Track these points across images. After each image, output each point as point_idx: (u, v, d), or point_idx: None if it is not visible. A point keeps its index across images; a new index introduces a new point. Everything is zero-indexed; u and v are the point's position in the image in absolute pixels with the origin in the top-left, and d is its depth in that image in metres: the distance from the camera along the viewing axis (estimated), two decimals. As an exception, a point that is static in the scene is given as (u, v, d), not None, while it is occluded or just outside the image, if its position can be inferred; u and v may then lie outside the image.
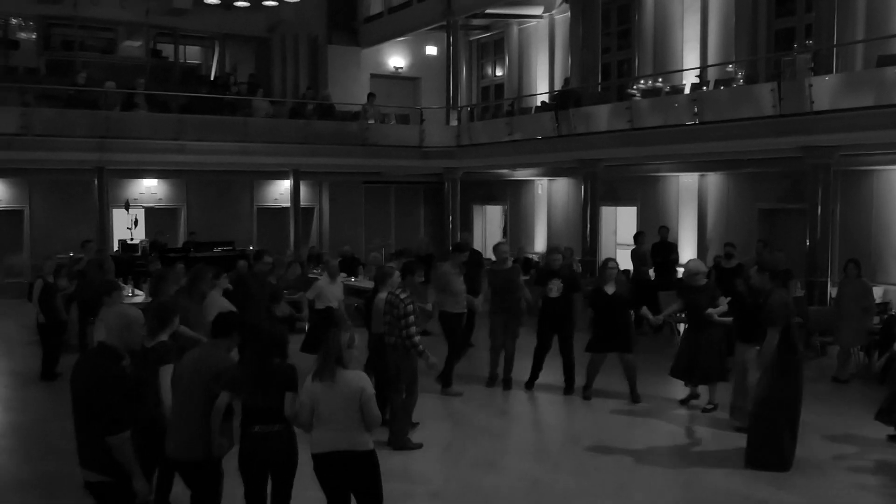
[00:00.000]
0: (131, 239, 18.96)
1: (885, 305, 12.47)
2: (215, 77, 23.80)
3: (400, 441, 8.13)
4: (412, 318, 7.99)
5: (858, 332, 11.11)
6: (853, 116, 12.24)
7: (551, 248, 10.76)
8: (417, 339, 8.00)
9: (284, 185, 21.93)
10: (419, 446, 8.22)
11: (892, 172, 14.72)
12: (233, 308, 8.21)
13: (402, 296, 8.10)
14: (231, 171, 20.78)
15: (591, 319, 10.16)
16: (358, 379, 5.13)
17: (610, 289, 9.84)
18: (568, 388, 10.34)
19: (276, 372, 5.23)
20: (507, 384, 10.60)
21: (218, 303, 8.60)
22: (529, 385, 10.53)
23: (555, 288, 10.12)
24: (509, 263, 10.90)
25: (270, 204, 22.85)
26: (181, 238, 20.88)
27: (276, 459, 5.26)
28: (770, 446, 7.37)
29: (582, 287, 10.65)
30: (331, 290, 10.60)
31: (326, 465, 5.15)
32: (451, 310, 10.48)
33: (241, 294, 9.50)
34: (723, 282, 10.93)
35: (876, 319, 11.38)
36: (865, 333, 11.24)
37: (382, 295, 8.52)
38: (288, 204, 21.11)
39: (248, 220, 22.59)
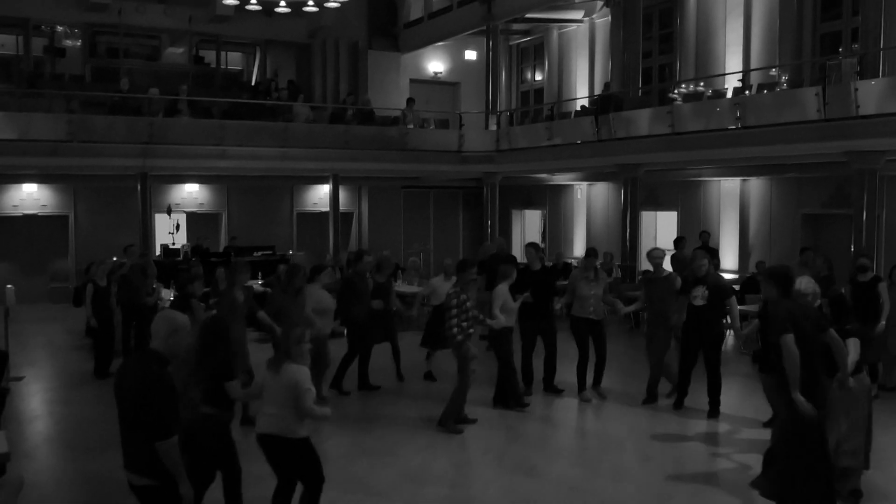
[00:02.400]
0: (173, 243, 19.22)
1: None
2: (256, 83, 24.05)
3: (443, 422, 8.99)
4: (454, 311, 8.79)
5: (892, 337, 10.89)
6: (900, 121, 12.02)
7: (697, 254, 10.01)
8: (455, 330, 8.74)
9: (324, 190, 22.08)
10: (459, 431, 8.87)
11: (940, 177, 14.43)
12: (332, 301, 9.84)
13: (450, 291, 9.07)
14: (271, 176, 20.96)
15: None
16: (296, 373, 5.60)
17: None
18: (713, 411, 9.60)
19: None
20: (655, 398, 10.19)
21: (316, 296, 9.67)
22: (679, 405, 9.90)
23: (700, 296, 9.47)
24: (664, 272, 10.33)
25: (310, 209, 23.01)
26: (222, 243, 21.11)
27: (206, 443, 5.81)
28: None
29: (733, 292, 9.83)
30: (444, 287, 10.61)
31: (263, 445, 5.75)
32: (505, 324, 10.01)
33: (348, 291, 10.55)
34: (859, 301, 10.30)
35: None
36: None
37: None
38: (327, 209, 21.25)
39: (287, 224, 22.76)
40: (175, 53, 24.30)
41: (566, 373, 10.64)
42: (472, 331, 9.03)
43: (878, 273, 12.02)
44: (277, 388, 5.62)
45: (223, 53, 24.40)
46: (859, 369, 6.75)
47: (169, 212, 19.72)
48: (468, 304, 8.98)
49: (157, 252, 19.08)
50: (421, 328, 11.83)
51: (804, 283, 7.85)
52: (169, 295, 13.27)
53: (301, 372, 5.64)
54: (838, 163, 13.50)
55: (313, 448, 5.78)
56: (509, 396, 9.99)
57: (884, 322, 10.11)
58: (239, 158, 18.91)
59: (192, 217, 21.52)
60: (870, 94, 12.58)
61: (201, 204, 21.84)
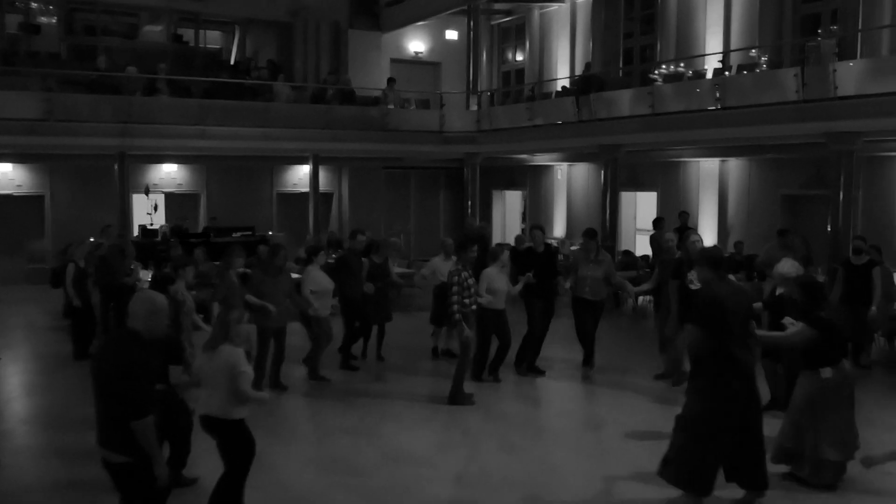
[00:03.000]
0: (151, 224, 19.10)
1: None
2: (236, 62, 23.86)
3: (451, 397, 9.27)
4: (454, 288, 9.04)
5: (881, 318, 11.03)
6: (877, 102, 12.10)
7: (690, 231, 9.76)
8: (455, 307, 8.99)
9: (304, 171, 21.98)
10: (473, 403, 9.21)
11: (917, 158, 14.57)
12: (330, 282, 10.06)
13: (452, 269, 9.33)
14: (251, 156, 20.85)
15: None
16: (231, 355, 5.66)
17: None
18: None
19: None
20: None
21: (312, 276, 10.05)
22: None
23: (695, 279, 8.81)
24: (677, 253, 10.01)
25: (290, 189, 22.90)
26: (202, 223, 21.00)
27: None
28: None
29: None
30: (445, 266, 10.73)
31: (204, 427, 5.81)
32: (494, 307, 10.07)
33: (343, 269, 10.70)
34: (852, 284, 10.35)
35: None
36: (887, 319, 11.18)
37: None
38: (307, 189, 21.17)
39: (267, 205, 22.66)
40: (153, 31, 24.03)
41: (560, 350, 10.75)
42: (474, 307, 9.28)
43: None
44: (214, 370, 5.68)
45: (202, 32, 24.16)
46: (835, 360, 6.63)
47: (147, 192, 19.56)
48: (470, 280, 9.19)
49: (136, 233, 18.95)
50: (418, 309, 11.95)
51: (787, 266, 7.84)
52: (147, 276, 13.19)
53: (236, 354, 5.69)
54: (816, 144, 13.59)
55: (248, 431, 5.79)
56: (490, 368, 10.29)
57: (875, 308, 10.19)
58: (219, 138, 18.76)
59: (170, 197, 21.35)
60: (848, 76, 12.65)
61: (180, 184, 21.67)
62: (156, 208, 19.60)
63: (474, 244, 9.88)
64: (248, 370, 5.71)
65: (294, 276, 10.90)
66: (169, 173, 21.43)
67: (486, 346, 10.18)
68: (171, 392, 6.63)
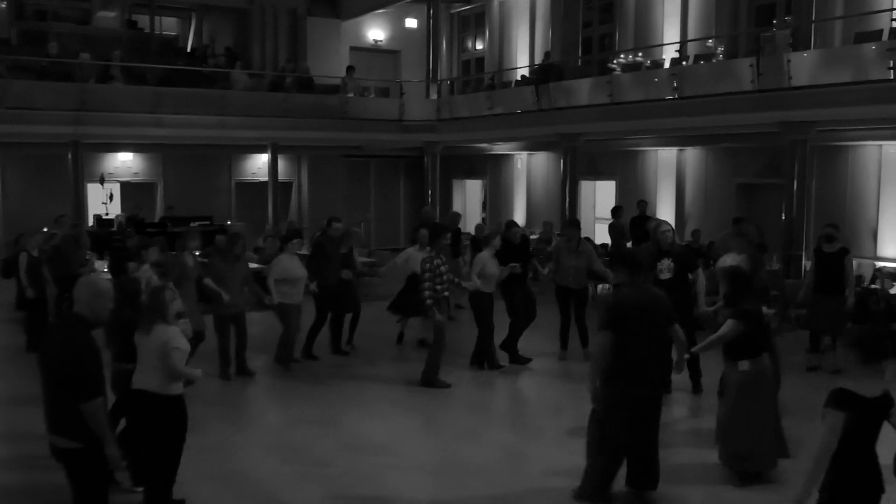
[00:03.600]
0: (106, 214, 18.80)
1: (859, 279, 12.61)
2: (193, 49, 23.51)
3: (424, 380, 9.49)
4: (427, 275, 9.24)
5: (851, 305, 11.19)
6: (830, 92, 12.33)
7: (661, 222, 9.59)
8: (427, 293, 9.21)
9: (263, 159, 21.79)
10: (448, 385, 9.41)
11: (867, 148, 14.85)
12: (302, 270, 10.12)
13: (425, 256, 9.53)
14: (209, 144, 20.60)
15: None
16: (164, 333, 5.73)
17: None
18: (696, 387, 9.21)
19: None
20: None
21: (282, 264, 10.18)
22: (697, 389, 9.27)
23: (665, 268, 8.84)
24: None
25: (249, 178, 22.70)
26: (158, 213, 20.72)
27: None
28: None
29: (699, 264, 9.34)
30: (418, 257, 10.67)
31: (136, 401, 5.85)
32: (485, 290, 10.22)
33: (319, 256, 10.78)
34: (823, 272, 10.17)
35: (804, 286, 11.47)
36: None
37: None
38: (266, 178, 20.98)
39: (226, 194, 22.44)
40: (107, 17, 23.52)
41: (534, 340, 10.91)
42: (446, 293, 9.47)
43: (805, 241, 12.24)
44: (149, 348, 5.76)
45: (157, 18, 23.75)
46: (756, 352, 6.51)
47: (102, 181, 19.23)
48: (442, 268, 9.34)
49: (90, 222, 18.63)
50: (378, 298, 12.18)
51: (728, 261, 7.86)
52: (103, 266, 12.99)
53: (170, 331, 5.79)
54: (771, 133, 13.80)
55: (184, 408, 5.86)
56: (484, 357, 10.32)
57: (852, 298, 10.07)
58: (175, 127, 18.51)
59: (126, 186, 21.03)
60: (802, 66, 12.87)
61: (136, 173, 21.37)
62: (111, 198, 19.28)
63: (447, 232, 10.07)
64: (181, 346, 5.78)
65: (252, 265, 10.88)
66: (124, 162, 21.11)
67: (490, 329, 10.20)
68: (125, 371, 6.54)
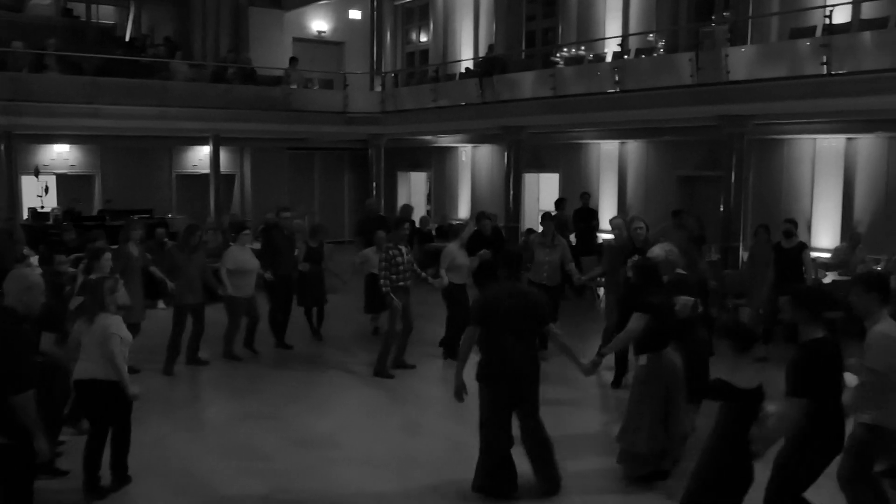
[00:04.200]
0: (42, 207, 18.36)
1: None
2: (131, 38, 23.01)
3: (375, 369, 9.71)
4: (383, 264, 9.47)
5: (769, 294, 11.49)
6: (767, 87, 12.60)
7: (634, 217, 9.40)
8: (382, 282, 9.42)
9: (204, 151, 21.45)
10: (391, 376, 9.56)
11: (802, 141, 15.23)
12: (254, 262, 10.48)
13: (384, 246, 9.79)
14: (148, 136, 20.25)
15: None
16: (106, 320, 6.00)
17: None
18: (616, 382, 9.32)
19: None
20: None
21: (233, 255, 10.37)
22: (617, 384, 9.32)
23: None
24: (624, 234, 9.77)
25: (190, 171, 22.36)
26: (96, 206, 20.30)
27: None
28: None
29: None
30: (376, 258, 10.59)
31: (80, 391, 6.11)
32: (456, 282, 10.30)
33: (269, 248, 10.92)
34: (783, 268, 10.08)
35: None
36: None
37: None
38: (208, 170, 20.68)
39: (166, 187, 22.08)
40: (41, 5, 22.93)
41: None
42: (402, 283, 9.54)
43: (742, 232, 12.46)
44: (91, 338, 5.96)
45: (94, 6, 23.20)
46: (655, 347, 6.38)
47: (37, 173, 18.76)
48: (398, 258, 9.48)
49: (25, 216, 18.15)
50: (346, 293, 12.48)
51: (656, 251, 7.37)
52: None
53: (110, 319, 6.05)
54: (710, 126, 14.05)
55: (127, 393, 6.06)
56: (448, 346, 10.35)
57: None
58: (113, 118, 18.09)
59: (63, 179, 20.54)
60: (739, 61, 13.12)
61: (73, 165, 20.90)
62: (46, 190, 18.85)
63: (405, 223, 10.25)
64: (121, 334, 6.00)
65: None
66: (61, 154, 20.62)
67: (462, 321, 9.74)
68: (49, 362, 6.54)
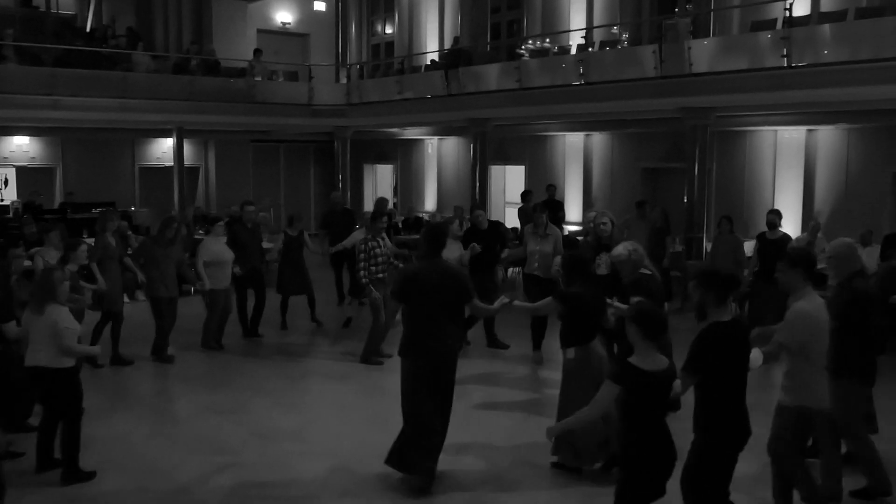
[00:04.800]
0: (1, 200, 18.11)
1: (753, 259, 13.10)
2: (92, 29, 22.65)
3: (363, 358, 9.88)
4: (361, 255, 9.66)
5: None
6: (729, 79, 12.75)
7: (600, 212, 9.12)
8: (361, 273, 9.65)
9: (168, 144, 21.21)
10: (380, 363, 9.69)
11: (763, 133, 15.43)
12: (229, 253, 10.47)
13: (361, 238, 9.98)
14: (110, 128, 19.99)
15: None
16: (55, 312, 6.13)
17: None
18: (535, 345, 9.69)
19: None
20: None
21: (207, 247, 10.40)
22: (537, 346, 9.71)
23: (603, 263, 8.39)
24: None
25: (153, 163, 22.11)
26: (57, 199, 20.00)
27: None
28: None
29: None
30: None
31: (32, 378, 6.25)
32: None
33: (232, 244, 10.80)
34: (767, 259, 9.79)
35: (746, 272, 11.94)
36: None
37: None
38: (172, 163, 20.45)
39: (129, 179, 21.82)
40: (-2, -5, 22.50)
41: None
42: (381, 276, 9.74)
43: (706, 223, 12.59)
44: (42, 327, 6.10)
45: (53, -4, 22.81)
46: (580, 340, 6.36)
47: (-5, 167, 18.47)
48: (377, 250, 9.71)
49: (-16, 209, 17.86)
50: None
51: (618, 249, 7.17)
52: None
53: (60, 311, 6.18)
54: (674, 119, 14.18)
55: (78, 380, 6.32)
56: None
57: None
58: (73, 109, 17.81)
59: (22, 171, 20.25)
60: (702, 53, 13.25)
61: (33, 157, 20.59)
62: (6, 183, 18.58)
63: (383, 216, 10.30)
64: (71, 326, 6.21)
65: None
66: (20, 146, 20.30)
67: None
68: (7, 350, 6.78)
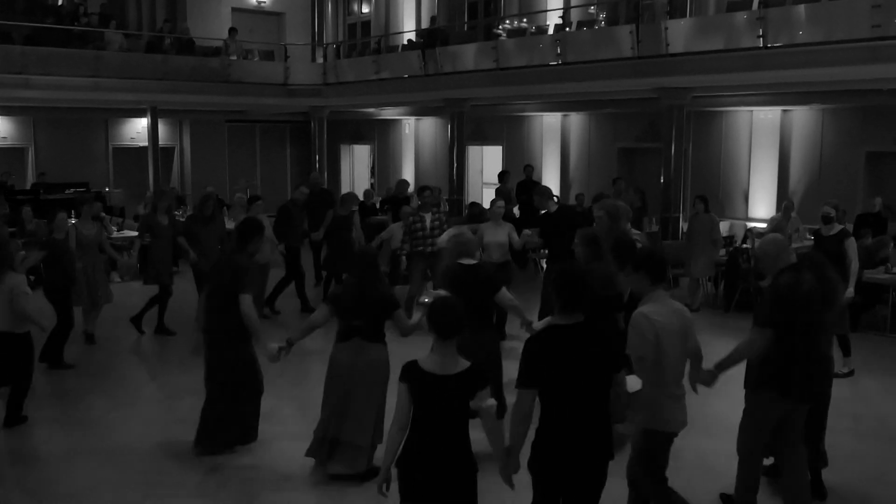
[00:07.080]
0: (-28, 180, 17.78)
1: (730, 239, 13.24)
2: (62, 6, 22.28)
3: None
4: (406, 229, 10.52)
5: (707, 264, 11.76)
6: (705, 59, 12.80)
7: (580, 197, 9.45)
8: (403, 247, 10.62)
9: (142, 124, 20.98)
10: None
11: (739, 113, 15.53)
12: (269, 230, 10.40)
13: (408, 212, 10.96)
14: (83, 108, 19.73)
15: None
16: (13, 279, 6.78)
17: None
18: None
19: None
20: None
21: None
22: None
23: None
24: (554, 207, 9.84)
25: (127, 143, 21.87)
26: (29, 179, 19.75)
27: None
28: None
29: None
30: (400, 234, 11.32)
31: None
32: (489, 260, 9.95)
33: (285, 218, 11.68)
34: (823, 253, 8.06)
35: (722, 252, 12.08)
36: (713, 265, 11.94)
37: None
38: (146, 143, 20.24)
39: (102, 160, 21.57)
40: (-34, -29, 22.04)
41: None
42: (420, 248, 10.31)
43: (682, 203, 12.66)
44: (1, 294, 6.71)
45: (22, -27, 22.37)
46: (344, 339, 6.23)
47: (-34, 146, 18.17)
48: (417, 224, 10.36)
49: (-46, 190, 17.58)
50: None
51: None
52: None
53: (17, 278, 6.85)
54: (650, 99, 14.23)
55: (31, 345, 7.01)
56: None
57: (852, 289, 8.17)
58: (45, 88, 17.54)
59: (-7, 152, 19.96)
60: (678, 33, 13.28)
61: (4, 137, 20.29)
62: (-24, 164, 18.25)
63: (424, 192, 10.94)
64: (27, 291, 6.83)
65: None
66: (-10, 126, 19.99)
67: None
68: None
